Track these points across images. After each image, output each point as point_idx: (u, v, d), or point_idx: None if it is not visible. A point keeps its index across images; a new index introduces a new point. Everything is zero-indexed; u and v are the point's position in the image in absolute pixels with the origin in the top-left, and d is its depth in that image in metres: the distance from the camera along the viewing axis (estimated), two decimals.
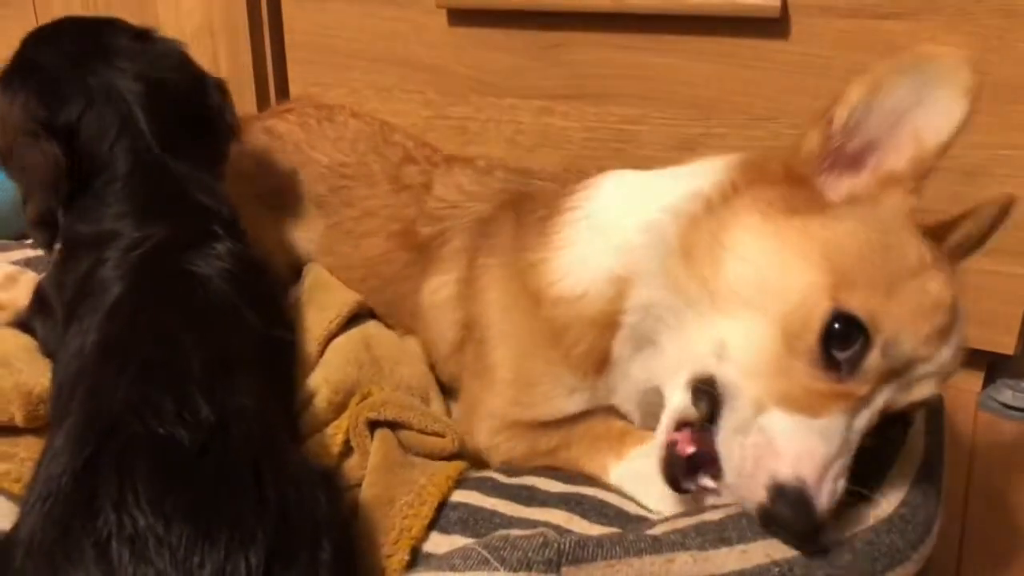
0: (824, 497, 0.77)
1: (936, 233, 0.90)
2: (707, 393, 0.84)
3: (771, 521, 0.78)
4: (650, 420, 0.98)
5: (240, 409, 0.80)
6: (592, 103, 1.56)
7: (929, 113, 0.83)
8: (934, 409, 1.00)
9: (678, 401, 0.87)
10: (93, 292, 0.97)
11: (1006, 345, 1.43)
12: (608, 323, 0.95)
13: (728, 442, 0.81)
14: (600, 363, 0.98)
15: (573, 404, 1.01)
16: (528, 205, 1.13)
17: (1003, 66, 1.30)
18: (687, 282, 0.87)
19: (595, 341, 0.97)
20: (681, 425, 0.85)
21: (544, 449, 1.03)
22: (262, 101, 1.87)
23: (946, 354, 0.81)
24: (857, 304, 0.78)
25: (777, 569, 0.76)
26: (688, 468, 0.85)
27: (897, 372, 0.80)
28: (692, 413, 0.85)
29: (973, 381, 1.52)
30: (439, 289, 1.18)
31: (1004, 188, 1.34)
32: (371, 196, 1.31)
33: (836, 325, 0.78)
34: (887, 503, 0.83)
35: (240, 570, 0.66)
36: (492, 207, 1.19)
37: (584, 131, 1.59)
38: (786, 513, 0.76)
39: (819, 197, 0.86)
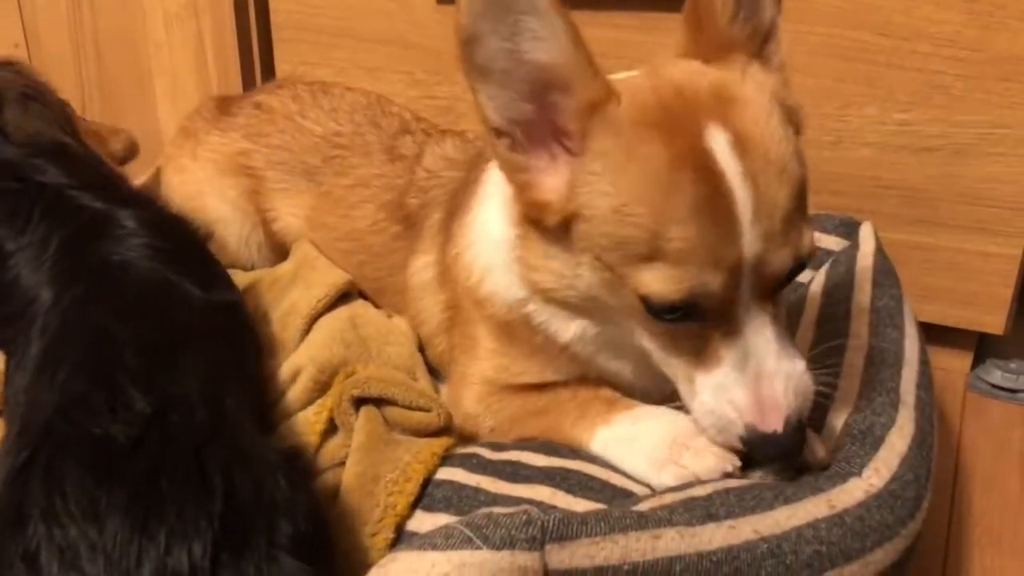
0: (778, 413, 0.80)
1: None
2: None
3: (755, 455, 0.84)
4: (642, 379, 0.99)
5: (181, 395, 0.77)
6: None
7: (535, 39, 0.78)
8: (925, 386, 0.99)
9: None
10: (20, 306, 0.94)
11: (995, 325, 1.43)
12: (540, 327, 0.98)
13: (693, 411, 0.87)
14: (562, 347, 0.98)
15: (558, 373, 1.01)
16: (470, 175, 1.13)
17: (995, 44, 1.29)
18: (580, 316, 0.93)
19: (545, 337, 0.98)
20: None
21: (531, 410, 1.02)
22: (248, 81, 1.86)
23: (754, 226, 0.78)
24: (647, 284, 0.79)
25: (765, 545, 0.75)
26: None
27: (737, 277, 0.79)
28: None
29: (962, 362, 1.52)
30: (422, 270, 1.17)
31: (997, 167, 1.34)
32: (365, 165, 1.30)
33: (657, 306, 0.80)
34: (878, 478, 0.83)
35: (183, 563, 0.64)
36: (463, 175, 1.18)
37: None
38: (761, 452, 0.83)
39: (549, 206, 0.85)
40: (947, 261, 1.42)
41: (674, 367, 0.87)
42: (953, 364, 1.51)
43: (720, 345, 0.82)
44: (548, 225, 0.86)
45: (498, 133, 0.83)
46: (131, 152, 1.54)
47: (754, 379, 0.82)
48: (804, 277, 1.24)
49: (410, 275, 1.19)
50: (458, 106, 1.67)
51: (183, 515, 0.66)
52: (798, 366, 0.83)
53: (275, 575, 0.68)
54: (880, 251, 1.23)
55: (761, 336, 0.81)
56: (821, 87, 1.41)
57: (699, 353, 0.83)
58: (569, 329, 0.95)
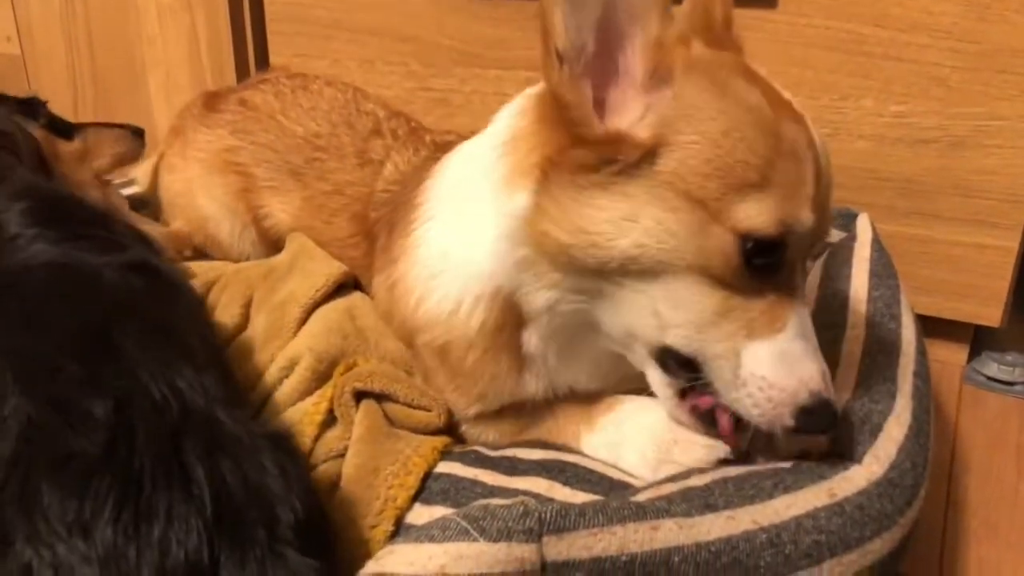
0: (832, 391, 0.81)
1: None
2: (675, 362, 0.85)
3: (800, 432, 0.81)
4: (609, 386, 0.98)
5: (137, 386, 0.71)
6: None
7: None
8: (922, 376, 0.99)
9: (659, 377, 0.87)
10: None
11: (992, 318, 1.43)
12: (492, 334, 0.94)
13: (734, 400, 0.82)
14: (513, 366, 0.96)
15: (523, 391, 0.98)
16: (403, 195, 1.10)
17: (992, 36, 1.29)
18: (575, 279, 0.86)
19: (485, 353, 0.95)
20: (680, 392, 0.86)
21: (515, 430, 1.01)
22: (242, 74, 1.85)
23: (827, 177, 0.83)
24: (748, 219, 0.78)
25: (765, 535, 0.75)
26: (712, 418, 0.86)
27: (806, 242, 0.82)
28: (678, 385, 0.86)
29: (958, 354, 1.51)
30: (378, 291, 1.14)
31: (994, 159, 1.34)
32: (340, 170, 1.28)
33: (751, 248, 0.78)
34: (878, 466, 0.83)
35: (180, 562, 0.62)
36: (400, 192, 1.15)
37: None
38: (815, 424, 0.80)
39: (619, 138, 0.81)
40: (943, 253, 1.42)
41: (718, 338, 0.81)
42: (949, 356, 1.51)
43: (778, 308, 0.81)
44: (618, 161, 0.80)
45: (560, 59, 0.79)
46: (126, 159, 1.53)
47: (814, 347, 0.82)
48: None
49: (373, 293, 1.17)
50: (453, 98, 1.66)
51: (172, 513, 0.64)
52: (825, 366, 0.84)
53: (280, 574, 0.66)
54: (877, 242, 1.23)
55: (806, 307, 0.83)
56: (818, 79, 1.40)
57: (752, 319, 0.81)
58: (543, 298, 0.89)
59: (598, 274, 0.84)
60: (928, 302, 1.43)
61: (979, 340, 1.52)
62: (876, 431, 0.86)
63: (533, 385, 0.96)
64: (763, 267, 0.79)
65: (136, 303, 0.85)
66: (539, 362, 0.95)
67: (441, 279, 0.96)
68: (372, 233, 1.18)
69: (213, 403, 0.75)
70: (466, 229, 0.94)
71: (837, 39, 1.37)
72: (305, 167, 1.31)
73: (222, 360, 0.99)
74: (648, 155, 0.80)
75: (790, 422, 0.80)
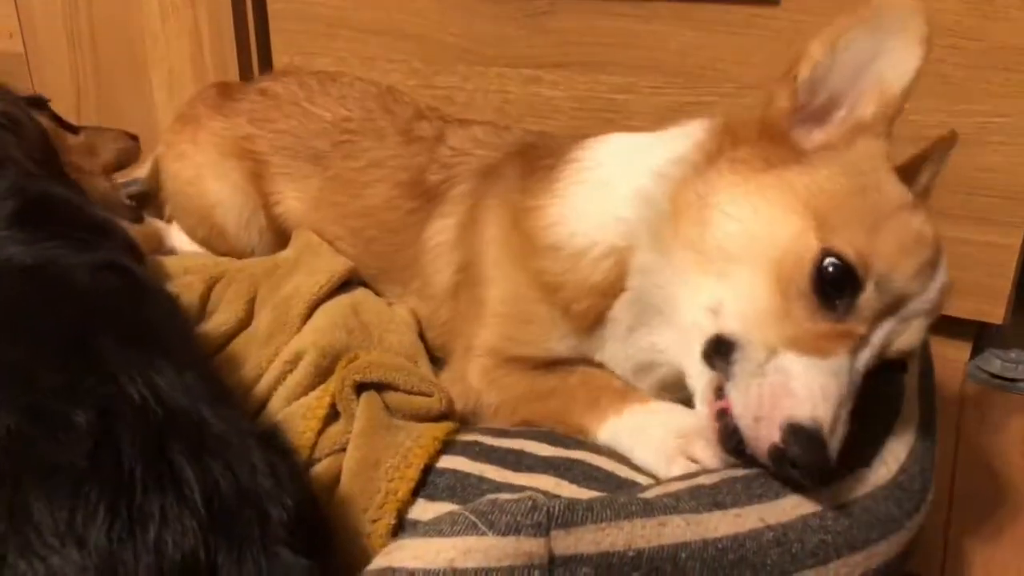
0: (836, 440, 0.77)
1: (904, 176, 0.93)
2: (718, 351, 0.85)
3: (783, 461, 0.77)
4: (640, 380, 0.99)
5: (120, 394, 0.70)
6: (580, 72, 1.55)
7: (888, 61, 0.87)
8: (927, 376, 0.99)
9: (699, 372, 0.88)
10: None
11: (995, 315, 1.43)
12: (606, 289, 0.97)
13: (742, 385, 0.82)
14: (595, 322, 0.99)
15: (565, 348, 1.01)
16: (535, 153, 1.14)
17: (996, 34, 1.29)
18: (679, 247, 0.90)
19: (592, 303, 0.98)
20: (717, 394, 0.85)
21: (539, 392, 1.02)
22: (244, 72, 1.85)
23: (934, 288, 0.85)
24: (843, 244, 0.80)
25: (771, 533, 0.75)
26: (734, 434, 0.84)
27: (891, 308, 0.82)
28: (718, 380, 0.85)
29: (961, 351, 1.52)
30: (440, 232, 1.18)
31: (996, 156, 1.34)
32: (378, 148, 1.31)
33: (827, 267, 0.80)
34: (886, 469, 0.83)
35: (177, 563, 0.62)
36: (502, 155, 1.20)
37: (572, 101, 1.57)
38: (799, 452, 0.76)
39: (793, 149, 0.89)
40: (947, 251, 1.42)
41: (765, 334, 0.82)
42: (952, 354, 1.51)
43: (834, 343, 0.80)
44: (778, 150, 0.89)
45: (793, 81, 0.88)
46: (126, 157, 1.53)
47: (842, 393, 0.79)
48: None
49: (426, 239, 1.20)
50: (457, 96, 1.67)
51: (166, 515, 0.63)
52: (844, 429, 0.81)
53: (275, 573, 0.65)
54: None
55: (862, 370, 0.82)
56: None
57: (804, 336, 0.81)
58: (645, 258, 0.94)
59: (707, 251, 0.88)
60: None
61: (982, 337, 1.52)
62: (885, 433, 0.86)
63: (598, 350, 1.01)
64: (830, 294, 0.80)
65: (112, 304, 0.84)
66: (615, 329, 0.98)
67: (582, 218, 0.99)
68: (432, 191, 1.22)
69: (198, 402, 0.73)
70: (628, 170, 0.98)
71: None
72: (331, 150, 1.34)
73: (204, 357, 0.98)
74: (791, 158, 0.88)
75: (776, 434, 0.77)
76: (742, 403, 0.81)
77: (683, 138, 0.97)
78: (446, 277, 1.16)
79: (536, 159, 1.12)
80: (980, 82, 1.32)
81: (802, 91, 0.89)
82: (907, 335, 0.84)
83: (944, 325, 1.45)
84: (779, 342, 0.81)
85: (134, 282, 0.94)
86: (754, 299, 0.84)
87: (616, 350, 1.00)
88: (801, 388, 0.78)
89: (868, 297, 0.80)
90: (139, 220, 1.46)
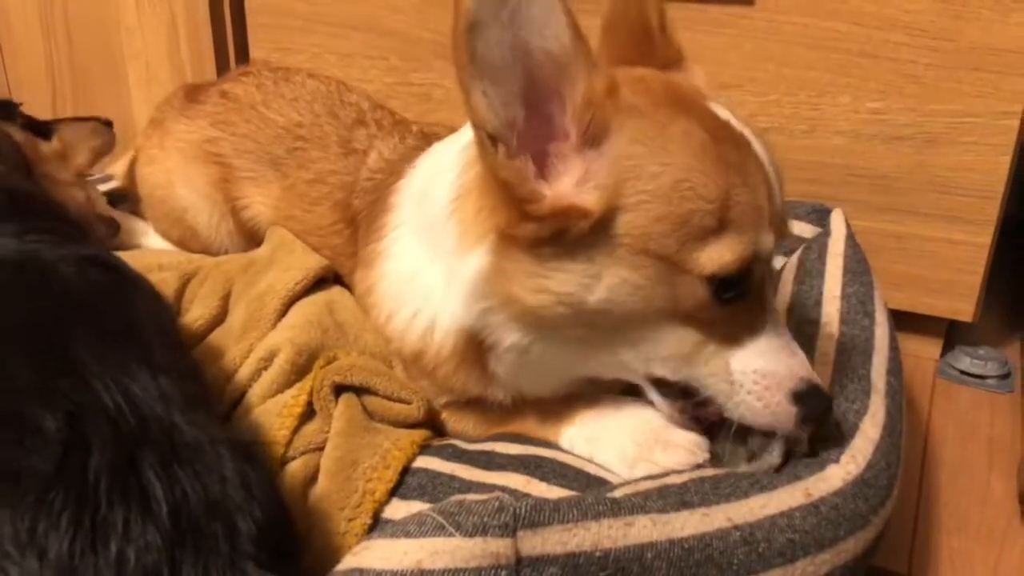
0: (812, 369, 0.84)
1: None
2: (672, 387, 0.87)
3: (805, 420, 0.83)
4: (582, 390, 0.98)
5: (93, 401, 0.68)
6: None
7: (536, 27, 0.73)
8: (895, 373, 1.00)
9: (658, 399, 0.89)
10: None
11: (964, 313, 1.45)
12: (468, 357, 0.94)
13: (737, 405, 0.84)
14: (483, 378, 0.96)
15: (484, 393, 0.98)
16: (382, 187, 1.11)
17: (968, 34, 1.30)
18: (547, 329, 0.86)
19: (461, 360, 0.95)
20: (680, 408, 0.88)
21: (492, 420, 1.01)
22: (221, 67, 1.85)
23: (777, 184, 0.84)
24: (715, 260, 0.78)
25: (738, 533, 0.76)
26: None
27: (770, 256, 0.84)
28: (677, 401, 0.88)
29: (931, 348, 1.54)
30: (358, 287, 1.14)
31: (968, 155, 1.35)
32: (323, 159, 1.28)
33: (718, 285, 0.80)
34: (854, 465, 0.84)
35: (131, 570, 0.60)
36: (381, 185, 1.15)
37: None
38: (814, 406, 0.82)
39: (574, 208, 0.78)
40: (918, 249, 1.44)
41: (704, 360, 0.83)
42: (923, 351, 1.53)
43: (753, 316, 0.83)
44: (571, 233, 0.79)
45: (493, 140, 0.76)
46: (102, 150, 1.52)
47: (790, 341, 0.85)
48: (776, 263, 1.25)
49: (354, 287, 1.17)
50: (435, 92, 1.66)
51: (129, 529, 0.61)
52: None
53: None
54: (851, 238, 1.24)
55: (776, 306, 0.85)
56: (795, 76, 1.42)
57: (731, 333, 0.83)
58: (512, 340, 0.88)
59: (572, 325, 0.84)
60: (902, 297, 1.45)
61: (952, 334, 1.54)
62: (852, 431, 0.87)
63: (502, 395, 0.97)
64: (735, 296, 0.81)
65: (92, 300, 0.82)
66: (508, 381, 0.95)
67: (409, 300, 0.98)
68: (355, 221, 1.18)
69: (172, 409, 0.71)
70: (432, 256, 0.93)
71: (814, 36, 1.39)
72: (286, 157, 1.32)
73: (185, 358, 0.95)
74: (600, 222, 0.78)
75: (792, 408, 0.82)
76: (748, 417, 0.84)
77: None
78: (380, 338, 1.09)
79: (377, 199, 1.09)
80: (952, 82, 1.33)
81: (504, 134, 0.76)
82: (787, 228, 0.86)
83: (915, 322, 1.48)
84: (722, 354, 0.83)
85: (119, 277, 0.92)
86: (672, 345, 0.83)
87: (532, 390, 0.97)
88: (777, 365, 0.82)
89: (756, 271, 0.81)
90: (115, 234, 1.45)
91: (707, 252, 0.78)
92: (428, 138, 1.17)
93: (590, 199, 0.78)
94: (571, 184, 0.79)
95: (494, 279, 0.84)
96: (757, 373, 0.83)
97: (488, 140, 0.76)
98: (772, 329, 0.84)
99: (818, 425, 0.85)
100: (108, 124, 1.54)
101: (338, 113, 1.32)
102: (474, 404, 1.01)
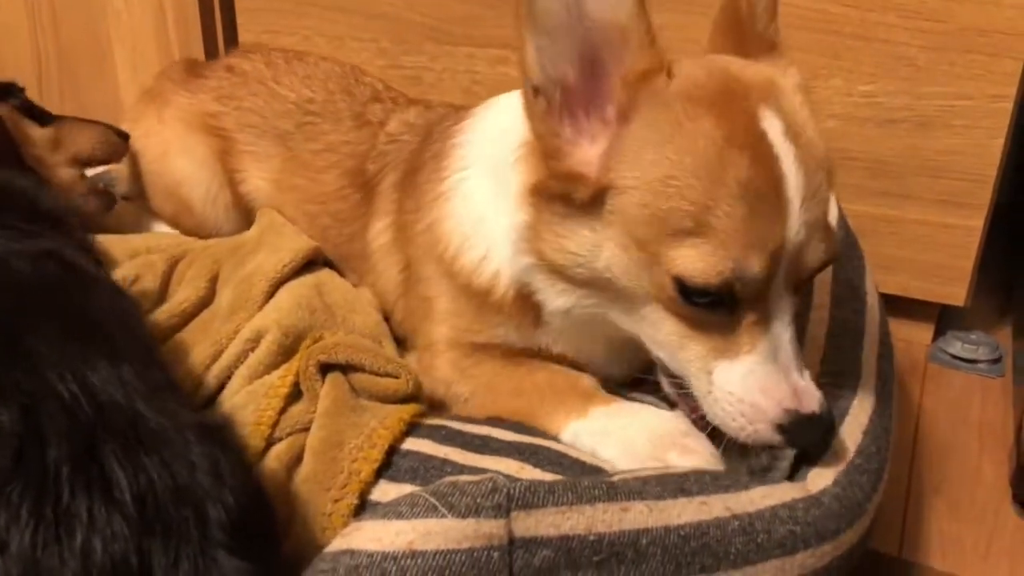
0: (813, 396, 0.80)
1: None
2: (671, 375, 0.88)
3: (794, 446, 0.82)
4: (613, 365, 0.99)
5: (48, 389, 0.66)
6: None
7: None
8: (886, 357, 1.00)
9: (664, 380, 0.90)
10: None
11: (956, 297, 1.45)
12: (527, 298, 0.95)
13: (712, 414, 0.84)
14: (535, 322, 0.98)
15: (519, 340, 1.00)
16: (431, 136, 1.12)
17: (960, 16, 1.30)
18: (582, 288, 0.89)
19: (517, 309, 0.97)
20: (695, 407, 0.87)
21: (507, 387, 1.00)
22: (210, 50, 1.83)
23: (801, 213, 0.78)
24: (682, 264, 0.77)
25: (736, 522, 0.75)
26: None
27: (773, 267, 0.78)
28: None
29: (923, 333, 1.54)
30: (381, 234, 1.17)
31: (960, 139, 1.35)
32: (334, 131, 1.30)
33: (684, 287, 0.79)
34: (847, 454, 0.83)
35: (107, 569, 0.59)
36: (419, 140, 1.17)
37: None
38: (802, 439, 0.81)
39: (581, 176, 0.82)
40: (910, 233, 1.44)
41: (689, 358, 0.84)
42: (914, 335, 1.53)
43: (747, 333, 0.80)
44: (575, 198, 0.82)
45: (536, 92, 0.79)
46: (109, 152, 1.49)
47: (785, 368, 0.81)
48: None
49: (369, 240, 1.19)
50: (425, 76, 1.65)
51: (94, 518, 0.60)
52: (807, 373, 0.83)
53: None
54: (843, 221, 1.24)
55: (788, 329, 0.81)
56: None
57: (722, 342, 0.81)
58: (557, 303, 0.92)
59: (599, 290, 0.87)
60: (894, 281, 1.45)
61: (944, 319, 1.54)
62: (842, 415, 0.87)
63: (554, 344, 0.99)
64: (710, 304, 0.79)
65: (49, 295, 0.81)
66: (558, 334, 0.98)
67: (476, 242, 0.98)
68: (370, 182, 1.20)
69: (133, 396, 0.70)
70: (496, 205, 0.94)
71: (807, 18, 1.38)
72: (294, 131, 1.33)
73: (148, 348, 0.93)
74: (598, 194, 0.81)
75: (776, 438, 0.80)
76: (726, 428, 0.83)
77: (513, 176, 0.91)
78: (394, 275, 1.15)
79: (428, 144, 1.10)
80: (944, 64, 1.33)
81: (548, 89, 0.79)
82: (809, 258, 0.81)
83: (906, 307, 1.47)
84: (708, 361, 0.82)
85: (75, 272, 0.91)
86: (661, 331, 0.84)
87: (571, 346, 0.99)
88: (757, 395, 0.80)
89: (739, 288, 0.78)
90: (110, 207, 1.44)
91: (680, 252, 0.77)
92: (456, 109, 1.20)
93: (593, 172, 0.81)
94: (593, 153, 0.81)
95: (531, 235, 0.88)
96: (734, 396, 0.81)
97: (532, 91, 0.79)
98: (765, 351, 0.81)
99: (816, 449, 0.83)
100: (123, 136, 1.50)
101: (353, 91, 1.34)
102: (496, 356, 1.02)
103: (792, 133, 0.78)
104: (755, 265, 0.77)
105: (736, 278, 0.77)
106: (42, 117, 1.41)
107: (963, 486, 1.22)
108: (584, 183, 0.81)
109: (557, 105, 0.80)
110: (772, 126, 0.78)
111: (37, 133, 1.38)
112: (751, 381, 0.80)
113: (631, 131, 0.80)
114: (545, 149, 0.83)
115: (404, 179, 1.13)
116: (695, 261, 0.77)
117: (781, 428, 0.79)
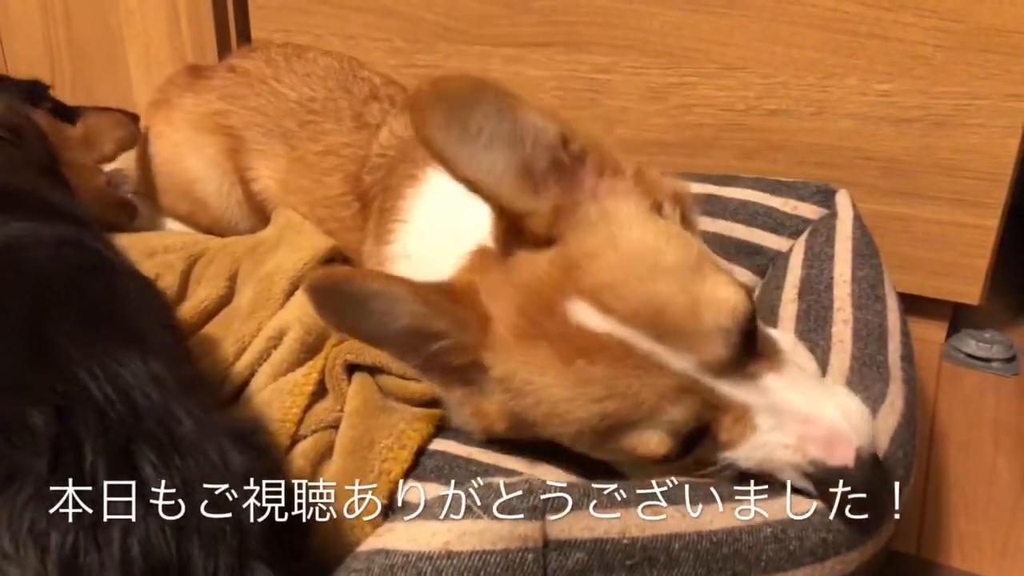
0: (848, 437, 0.73)
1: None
2: None
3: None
4: None
5: (78, 390, 0.65)
6: (563, 51, 1.54)
7: (386, 311, 0.77)
8: (908, 359, 1.00)
9: None
10: None
11: (971, 295, 1.45)
12: None
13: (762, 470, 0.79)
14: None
15: None
16: (390, 177, 1.13)
17: (976, 15, 1.30)
18: None
19: None
20: None
21: None
22: (223, 49, 1.82)
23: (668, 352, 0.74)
24: (638, 448, 0.76)
25: (769, 529, 0.74)
26: None
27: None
28: None
29: (938, 332, 1.54)
30: (368, 258, 1.16)
31: (975, 137, 1.35)
32: (335, 132, 1.29)
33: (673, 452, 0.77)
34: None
35: (142, 564, 0.59)
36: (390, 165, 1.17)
37: (555, 80, 1.57)
38: (840, 480, 0.73)
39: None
40: (924, 232, 1.44)
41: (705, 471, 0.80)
42: (928, 334, 1.53)
43: (742, 420, 0.76)
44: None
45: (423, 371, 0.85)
46: (127, 143, 1.50)
47: (801, 421, 0.75)
48: (783, 246, 1.24)
49: (364, 260, 1.19)
50: (438, 75, 1.65)
51: (132, 523, 0.60)
52: (839, 393, 0.79)
53: None
54: (858, 220, 1.23)
55: (782, 374, 0.77)
56: (803, 58, 1.41)
57: (721, 440, 0.78)
58: None
59: None
60: (908, 280, 1.45)
61: (958, 317, 1.54)
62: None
63: None
64: (692, 447, 0.77)
65: (74, 283, 0.78)
66: None
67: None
68: (366, 196, 1.20)
69: (166, 395, 0.68)
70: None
71: (822, 17, 1.38)
72: (297, 130, 1.33)
73: (177, 342, 0.93)
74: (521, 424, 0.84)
75: (808, 485, 0.76)
76: (782, 472, 0.78)
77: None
78: None
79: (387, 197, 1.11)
80: (960, 63, 1.33)
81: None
82: (707, 347, 0.75)
83: (921, 306, 1.48)
84: (721, 458, 0.78)
85: (100, 259, 0.89)
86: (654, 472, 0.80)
87: None
88: (782, 455, 0.76)
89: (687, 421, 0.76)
90: (132, 219, 1.45)
91: (630, 442, 0.77)
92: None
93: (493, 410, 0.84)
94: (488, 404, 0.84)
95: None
96: (762, 468, 0.78)
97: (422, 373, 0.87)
98: (767, 420, 0.76)
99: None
100: (134, 118, 1.52)
101: (351, 88, 1.33)
102: None
103: (602, 300, 0.74)
104: (677, 413, 0.75)
105: (685, 426, 0.76)
106: (67, 114, 1.42)
107: (979, 484, 1.23)
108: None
109: (437, 379, 0.86)
110: (582, 314, 0.75)
111: (70, 135, 1.39)
112: (769, 443, 0.76)
113: (498, 384, 0.82)
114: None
115: (380, 209, 1.14)
116: (647, 445, 0.76)
117: (814, 479, 0.75)
